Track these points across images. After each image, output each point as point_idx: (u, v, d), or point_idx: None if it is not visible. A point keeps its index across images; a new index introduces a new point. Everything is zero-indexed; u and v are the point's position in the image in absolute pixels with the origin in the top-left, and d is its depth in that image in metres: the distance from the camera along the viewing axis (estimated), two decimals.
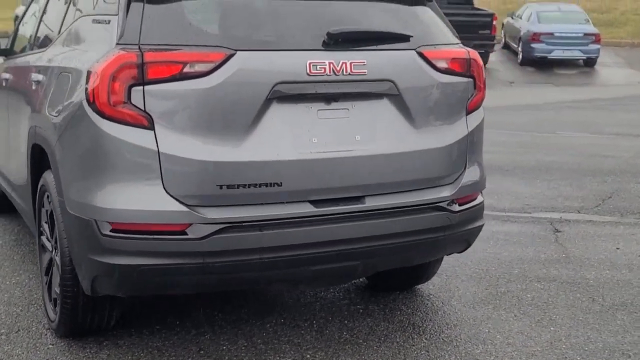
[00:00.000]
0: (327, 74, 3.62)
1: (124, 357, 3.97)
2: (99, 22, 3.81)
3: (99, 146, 3.48)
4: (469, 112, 4.10)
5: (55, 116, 3.85)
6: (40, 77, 4.37)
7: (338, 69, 3.64)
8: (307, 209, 3.65)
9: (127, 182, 3.45)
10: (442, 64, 3.98)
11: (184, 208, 3.45)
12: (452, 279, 5.23)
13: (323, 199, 3.70)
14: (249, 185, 3.52)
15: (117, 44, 3.49)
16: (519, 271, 5.40)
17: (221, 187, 3.48)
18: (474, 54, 4.15)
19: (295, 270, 3.73)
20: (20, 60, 5.26)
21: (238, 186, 3.51)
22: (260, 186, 3.54)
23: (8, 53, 5.87)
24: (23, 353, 4.02)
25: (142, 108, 3.41)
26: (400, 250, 3.93)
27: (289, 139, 3.59)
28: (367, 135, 3.76)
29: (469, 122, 4.10)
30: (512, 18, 24.49)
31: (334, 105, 3.70)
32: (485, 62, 21.72)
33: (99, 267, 3.53)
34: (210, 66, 3.45)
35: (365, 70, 3.71)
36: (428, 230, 3.93)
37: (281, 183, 3.57)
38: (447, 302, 4.84)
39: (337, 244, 3.72)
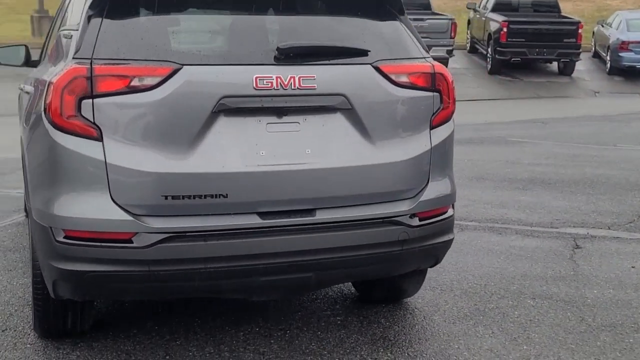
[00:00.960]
0: (274, 89, 3.68)
1: (93, 359, 4.13)
2: (66, 36, 3.99)
3: (52, 156, 3.65)
4: (433, 127, 4.08)
5: (26, 127, 4.06)
6: (30, 88, 4.61)
7: (286, 83, 3.70)
8: (254, 220, 3.72)
9: (78, 191, 3.60)
10: (402, 79, 3.98)
11: (130, 217, 3.58)
12: (445, 292, 5.19)
13: (271, 211, 3.76)
14: (194, 197, 3.62)
15: (73, 57, 3.66)
16: (517, 287, 5.31)
17: (166, 197, 3.60)
18: (441, 68, 4.13)
19: (244, 280, 3.80)
20: (31, 73, 5.54)
21: (183, 197, 3.61)
22: (205, 197, 3.63)
23: (36, 65, 6.17)
24: (1, 351, 4.24)
25: (92, 120, 3.55)
26: (355, 263, 3.95)
27: (236, 151, 3.67)
28: (319, 148, 3.80)
29: (433, 137, 4.08)
30: (602, 26, 23.80)
31: (285, 119, 3.76)
32: (571, 71, 21.36)
33: (56, 272, 3.69)
34: (156, 80, 3.58)
35: (315, 85, 3.75)
36: (383, 245, 3.93)
37: (227, 195, 3.65)
38: (428, 316, 4.80)
39: (287, 255, 3.77)
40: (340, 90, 3.81)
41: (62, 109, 3.56)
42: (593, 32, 24.51)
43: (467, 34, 24.81)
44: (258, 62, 3.71)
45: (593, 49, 24.39)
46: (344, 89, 3.82)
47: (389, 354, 4.23)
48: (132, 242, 3.58)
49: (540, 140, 11.78)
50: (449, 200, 4.22)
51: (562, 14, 22.45)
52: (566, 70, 21.38)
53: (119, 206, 3.58)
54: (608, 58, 22.22)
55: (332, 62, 3.85)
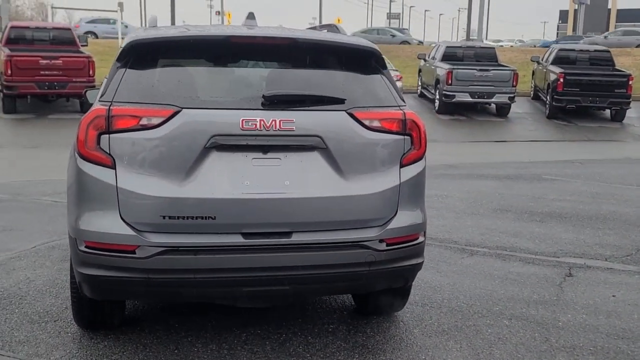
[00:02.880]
0: (258, 129, 3.76)
1: (116, 349, 4.26)
2: (103, 82, 4.20)
3: (78, 180, 3.84)
4: (403, 165, 4.06)
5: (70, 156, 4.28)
6: None
7: (268, 125, 3.77)
8: (238, 239, 3.79)
9: (96, 209, 3.77)
10: (374, 123, 3.98)
11: (134, 232, 3.71)
12: (433, 309, 5.10)
13: (253, 232, 3.82)
14: (187, 217, 3.73)
15: (99, 100, 3.85)
16: (499, 308, 5.16)
17: (164, 217, 3.72)
18: (412, 115, 4.10)
19: (229, 289, 3.87)
20: None
21: (178, 217, 3.72)
22: (196, 218, 3.73)
23: None
24: (46, 336, 4.44)
25: (108, 151, 3.72)
26: (327, 280, 3.96)
27: (225, 180, 3.76)
28: (296, 180, 3.85)
29: (403, 174, 4.05)
30: None
31: (269, 155, 3.83)
32: (622, 118, 20.55)
33: (80, 275, 3.87)
34: (160, 120, 3.72)
35: (294, 127, 3.81)
36: (351, 265, 3.93)
37: (215, 217, 3.74)
38: (410, 329, 4.73)
39: (266, 270, 3.83)
40: (317, 132, 3.85)
41: (87, 142, 3.74)
42: None
43: (531, 83, 24.29)
44: (245, 107, 3.80)
45: None
46: (320, 131, 3.86)
47: None
48: (135, 253, 3.71)
49: (571, 178, 11.37)
50: (418, 228, 4.18)
51: (616, 67, 21.68)
52: (617, 117, 20.58)
53: (126, 223, 3.72)
54: None
55: (310, 108, 3.90)
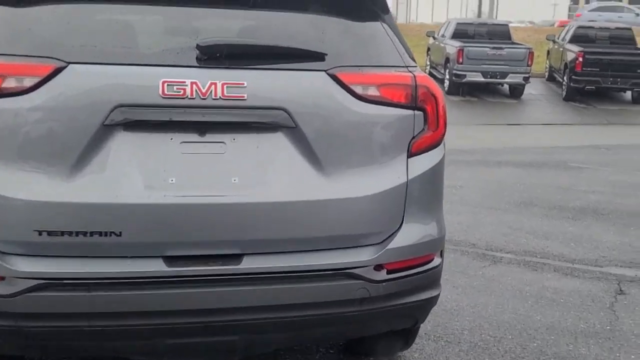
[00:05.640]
0: (189, 97, 2.40)
1: None
2: None
3: None
4: (412, 154, 2.70)
5: None
6: None
7: (205, 91, 2.41)
8: (158, 267, 2.44)
9: None
10: (369, 91, 2.62)
11: None
12: (451, 345, 3.76)
13: (181, 256, 2.47)
14: (77, 233, 2.38)
15: None
16: (538, 344, 3.81)
17: (40, 233, 2.36)
18: (426, 80, 2.73)
19: (143, 342, 2.52)
20: None
21: (63, 233, 2.37)
22: (92, 235, 2.38)
23: None
24: None
25: None
26: (297, 326, 2.61)
27: (136, 177, 2.41)
28: (250, 177, 2.49)
29: (412, 167, 2.69)
30: None
31: (207, 137, 2.47)
32: None
33: None
34: (34, 80, 2.36)
35: (245, 94, 2.45)
36: (332, 304, 2.58)
37: (121, 233, 2.39)
38: None
39: (201, 314, 2.48)
40: (280, 103, 2.49)
41: None
42: None
43: (546, 63, 22.78)
44: (169, 63, 2.43)
45: None
46: (286, 102, 2.49)
47: None
48: None
49: (600, 166, 9.96)
50: (433, 247, 2.82)
51: (638, 46, 20.12)
52: (639, 99, 19.09)
53: None
54: None
55: (271, 66, 2.53)
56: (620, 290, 4.76)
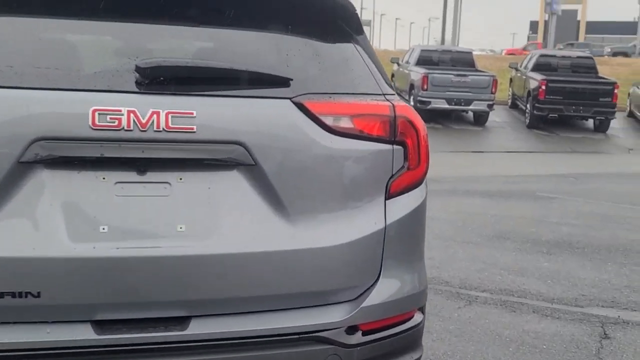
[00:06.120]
0: (124, 129, 1.99)
1: None
2: None
3: None
4: (391, 196, 2.32)
5: None
6: None
7: (144, 121, 2.00)
8: (85, 334, 2.00)
9: None
10: (341, 123, 2.24)
11: None
12: None
13: (115, 320, 2.04)
14: None
15: None
16: None
17: None
18: (406, 110, 2.37)
19: None
20: None
21: None
22: (2, 296, 1.94)
23: None
24: None
25: None
26: None
27: (59, 226, 1.98)
28: (200, 224, 2.08)
29: (391, 211, 2.32)
30: (638, 88, 21.40)
31: (147, 176, 2.05)
32: (606, 128, 19.06)
33: None
34: None
35: (194, 126, 2.04)
36: None
37: (39, 293, 1.96)
38: None
39: None
40: (237, 137, 2.09)
41: None
42: (629, 93, 22.10)
43: (509, 91, 22.82)
44: (103, 88, 2.01)
45: (628, 108, 21.94)
46: (243, 135, 2.10)
47: None
48: None
49: (570, 196, 9.73)
50: (414, 302, 2.44)
51: (599, 75, 20.24)
52: (601, 127, 19.10)
53: None
54: None
55: (225, 92, 2.13)
56: (605, 334, 4.43)
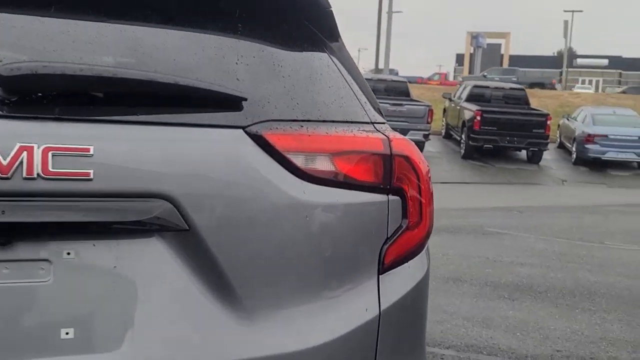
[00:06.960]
0: None
1: None
2: None
3: None
4: (386, 268, 1.60)
5: None
6: None
7: (5, 164, 1.22)
8: None
9: None
10: (315, 163, 1.51)
11: None
12: None
13: None
14: None
15: None
16: None
17: None
18: (404, 146, 1.67)
19: None
20: None
21: None
22: None
23: None
24: None
25: None
26: None
27: None
28: (98, 327, 1.31)
29: (387, 289, 1.60)
30: (568, 120, 21.55)
31: (13, 252, 1.27)
32: (538, 159, 19.00)
33: None
34: None
35: (90, 171, 1.28)
36: None
37: None
38: None
39: None
40: (160, 186, 1.33)
41: None
42: (559, 125, 22.29)
43: (442, 121, 22.67)
44: None
45: (558, 140, 22.13)
46: (170, 184, 1.34)
47: None
48: None
49: (518, 231, 9.26)
50: None
51: (531, 106, 20.30)
52: (534, 158, 19.07)
53: None
54: (574, 149, 19.86)
55: (144, 118, 1.37)
56: None
